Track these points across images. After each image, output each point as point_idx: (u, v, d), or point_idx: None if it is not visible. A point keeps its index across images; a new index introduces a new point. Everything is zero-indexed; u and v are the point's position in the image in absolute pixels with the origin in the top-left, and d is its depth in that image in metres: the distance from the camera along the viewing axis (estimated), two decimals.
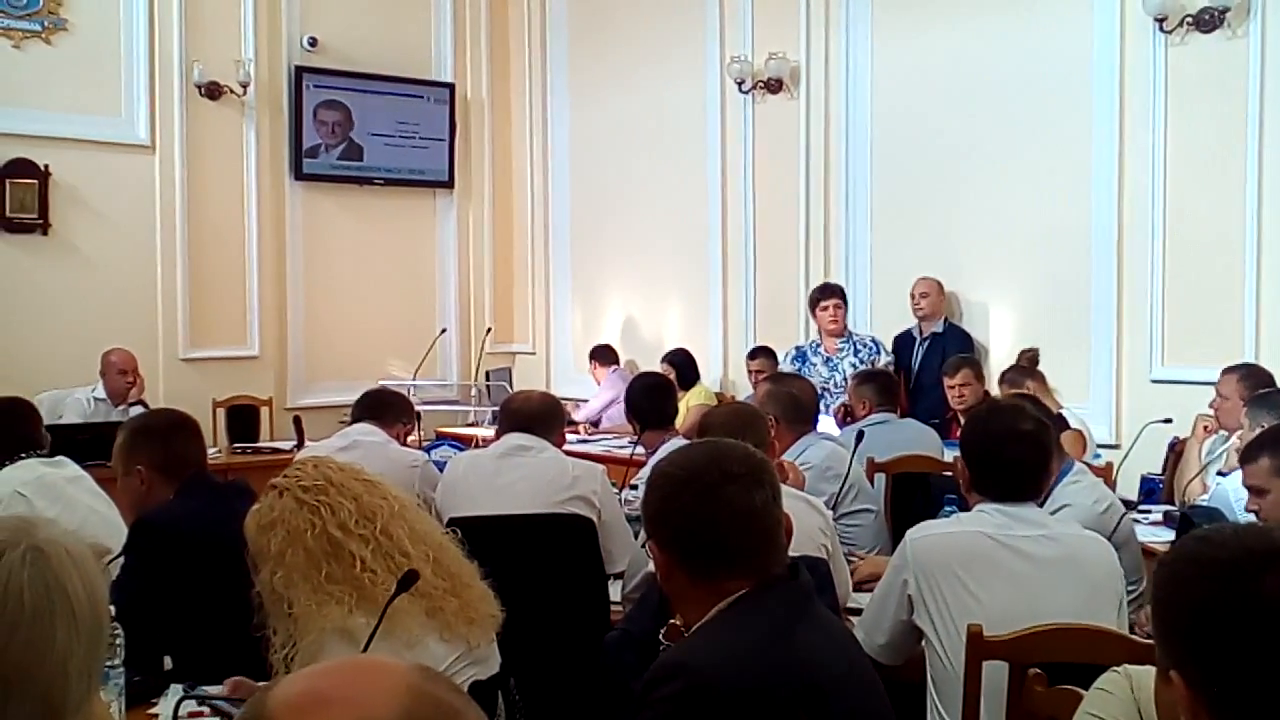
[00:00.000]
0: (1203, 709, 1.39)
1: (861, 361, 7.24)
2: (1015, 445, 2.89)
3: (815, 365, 7.28)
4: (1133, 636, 2.65)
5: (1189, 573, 1.44)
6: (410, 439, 6.07)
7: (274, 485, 2.53)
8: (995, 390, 5.89)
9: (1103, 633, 2.58)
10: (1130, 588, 3.63)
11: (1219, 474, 4.77)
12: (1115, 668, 1.82)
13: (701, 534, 2.04)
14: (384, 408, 4.96)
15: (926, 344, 7.30)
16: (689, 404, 7.55)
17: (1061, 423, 5.22)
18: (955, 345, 7.15)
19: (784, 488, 3.63)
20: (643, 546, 3.53)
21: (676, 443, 4.46)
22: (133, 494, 3.34)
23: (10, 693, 1.37)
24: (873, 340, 7.49)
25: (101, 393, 7.26)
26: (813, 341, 7.56)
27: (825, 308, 7.38)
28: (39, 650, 1.39)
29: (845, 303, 7.47)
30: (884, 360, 7.32)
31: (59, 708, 1.41)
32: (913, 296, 7.32)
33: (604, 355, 8.80)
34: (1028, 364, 6.17)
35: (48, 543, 1.45)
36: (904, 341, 7.48)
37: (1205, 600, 1.40)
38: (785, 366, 7.64)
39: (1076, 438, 5.53)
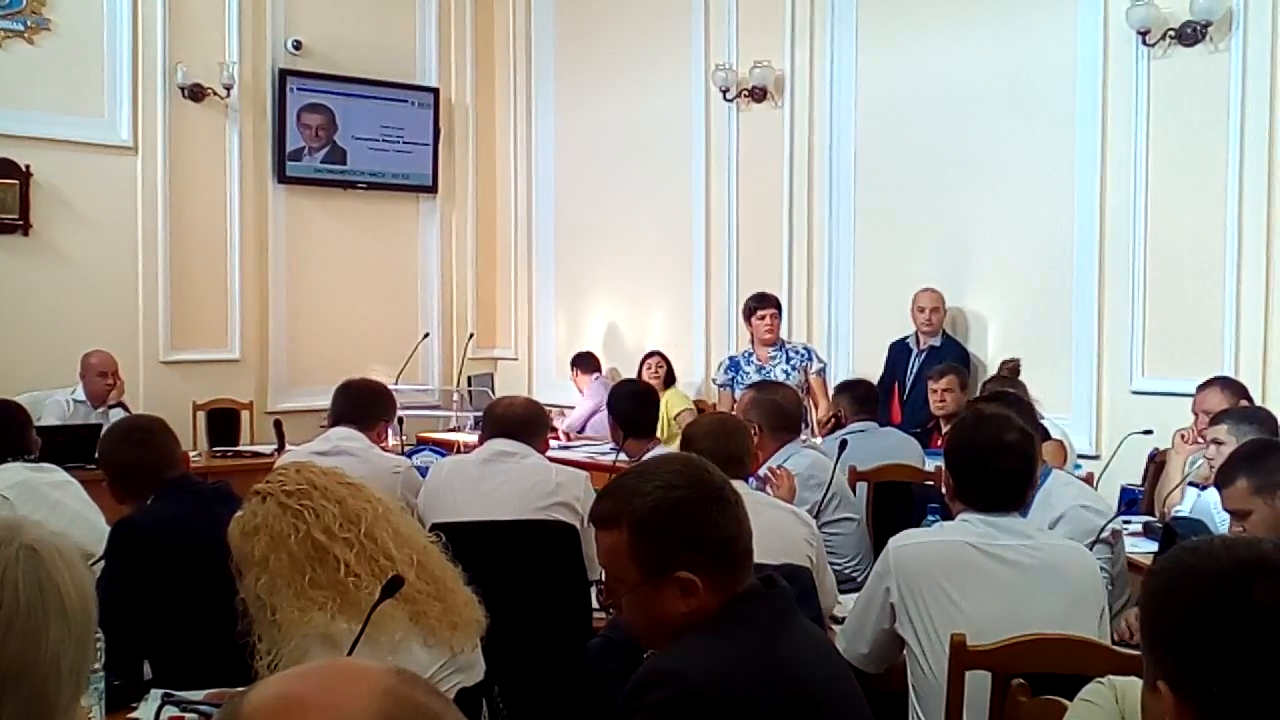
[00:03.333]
0: None
1: (794, 368, 7.24)
2: (1000, 456, 2.89)
3: (748, 374, 7.26)
4: (1116, 647, 2.66)
5: (1179, 583, 1.44)
6: (392, 442, 6.06)
7: (257, 491, 2.51)
8: None
9: (1086, 643, 2.58)
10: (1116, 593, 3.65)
11: (1191, 484, 4.78)
12: (1100, 678, 1.83)
13: (733, 541, 2.03)
14: (364, 409, 4.76)
15: (923, 356, 7.24)
16: (668, 403, 7.61)
17: (1042, 433, 5.24)
18: (953, 360, 7.13)
19: (769, 499, 3.67)
20: (598, 583, 3.44)
21: (659, 450, 4.47)
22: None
23: (5, 689, 1.37)
24: (805, 348, 7.49)
25: (81, 395, 7.22)
26: (745, 351, 7.56)
27: (762, 317, 7.34)
28: (34, 647, 1.39)
29: (780, 312, 7.47)
30: (816, 366, 7.34)
31: (51, 706, 1.40)
32: (923, 310, 7.23)
33: (585, 363, 8.81)
34: (1009, 374, 6.19)
35: (39, 542, 1.45)
36: (899, 351, 7.44)
37: (1196, 610, 1.40)
38: (718, 376, 7.67)
39: (1057, 448, 5.54)
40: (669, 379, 8.30)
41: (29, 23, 8.23)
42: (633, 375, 8.33)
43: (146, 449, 3.39)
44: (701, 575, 1.97)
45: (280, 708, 1.00)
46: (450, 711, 1.04)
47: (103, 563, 3.11)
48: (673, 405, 7.72)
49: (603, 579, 2.16)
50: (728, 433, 3.66)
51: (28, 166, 8.17)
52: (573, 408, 8.79)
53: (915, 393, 7.00)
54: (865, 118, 7.81)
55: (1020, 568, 2.80)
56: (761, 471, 4.18)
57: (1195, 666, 1.39)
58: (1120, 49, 6.47)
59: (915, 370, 7.25)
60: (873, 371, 7.34)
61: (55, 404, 7.13)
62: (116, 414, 6.96)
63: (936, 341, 7.26)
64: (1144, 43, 6.31)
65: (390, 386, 5.30)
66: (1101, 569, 3.33)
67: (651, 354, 8.43)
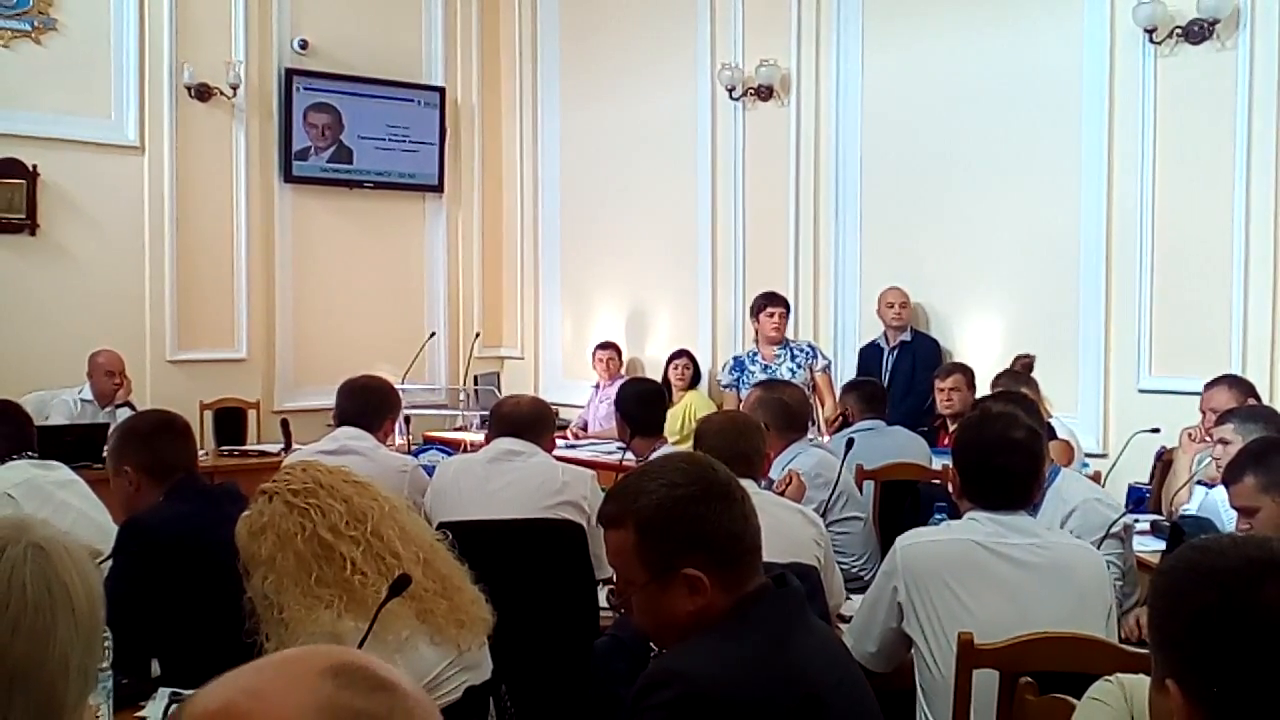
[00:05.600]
0: (1199, 718, 1.39)
1: (799, 367, 7.28)
2: (1007, 453, 2.88)
3: (754, 373, 7.27)
4: (1123, 646, 2.65)
5: (1187, 582, 1.44)
6: (398, 441, 6.05)
7: (264, 490, 2.52)
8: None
9: (1094, 642, 2.57)
10: (1127, 590, 3.66)
11: (1199, 482, 4.78)
12: (1108, 677, 1.82)
13: (740, 538, 2.03)
14: (369, 409, 4.72)
15: (895, 353, 7.35)
16: (691, 405, 7.60)
17: (1049, 431, 5.23)
18: (924, 352, 7.18)
19: (777, 498, 3.67)
20: (610, 587, 3.41)
21: (666, 449, 4.47)
22: (123, 495, 3.32)
23: (14, 688, 1.37)
24: (809, 345, 7.53)
25: (88, 394, 7.23)
26: (750, 350, 7.58)
27: (771, 315, 7.39)
28: (42, 645, 1.39)
29: (789, 312, 7.50)
30: (821, 364, 7.39)
31: (59, 705, 1.40)
32: (890, 305, 7.37)
33: (615, 349, 8.78)
34: (1022, 370, 6.17)
35: (47, 540, 1.45)
36: (871, 352, 7.52)
37: (1205, 609, 1.40)
38: (723, 377, 7.68)
39: (1064, 447, 5.53)
40: (694, 380, 8.28)
41: (36, 23, 8.25)
42: (650, 371, 8.36)
43: (181, 444, 3.39)
44: (708, 573, 1.98)
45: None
46: (398, 705, 1.00)
47: (110, 562, 3.11)
48: (696, 407, 7.70)
49: (612, 579, 2.16)
50: (738, 431, 3.64)
51: (35, 166, 8.19)
52: (580, 407, 8.78)
53: (892, 389, 7.02)
54: (871, 116, 7.80)
55: (1028, 567, 2.79)
56: (773, 475, 4.17)
57: (1203, 665, 1.39)
58: (1127, 47, 6.46)
59: (890, 367, 7.35)
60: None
61: (62, 403, 7.15)
62: (123, 414, 6.98)
63: (907, 336, 7.37)
64: (1151, 40, 6.30)
65: (396, 386, 5.29)
66: (1113, 564, 3.34)
67: (679, 354, 8.36)
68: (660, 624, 2.05)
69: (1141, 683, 1.69)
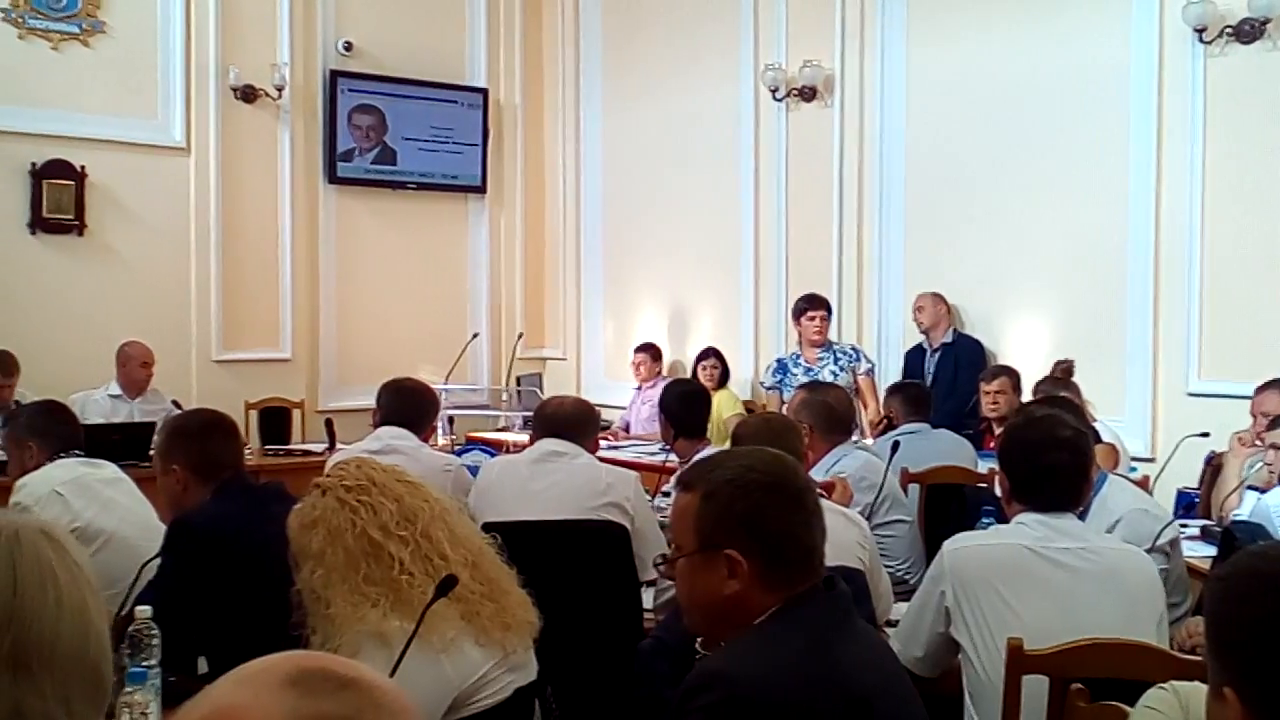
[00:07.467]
0: None
1: (841, 369, 7.22)
2: (1054, 451, 2.86)
3: (796, 376, 7.23)
4: (1175, 653, 2.62)
5: (1248, 588, 1.42)
6: (442, 441, 6.06)
7: (317, 484, 2.53)
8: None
9: (1145, 648, 2.54)
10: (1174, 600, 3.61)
11: (1250, 487, 4.72)
12: (1162, 684, 1.80)
13: (795, 540, 2.04)
14: (415, 412, 4.79)
15: (938, 355, 7.35)
16: (720, 404, 7.59)
17: (1094, 436, 5.18)
18: (966, 354, 7.16)
19: (823, 502, 3.64)
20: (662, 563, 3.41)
21: (710, 450, 4.46)
22: (170, 493, 3.34)
23: (71, 676, 1.34)
24: (852, 348, 7.48)
25: (115, 389, 7.29)
26: (793, 353, 7.54)
27: (812, 318, 7.33)
28: (84, 622, 1.36)
29: (830, 314, 7.47)
30: (864, 367, 7.35)
31: (106, 689, 1.39)
32: (914, 313, 7.46)
33: (654, 351, 8.77)
34: (1062, 375, 6.11)
35: (44, 524, 1.43)
36: (915, 355, 7.54)
37: (1266, 616, 1.38)
38: (765, 379, 7.64)
39: (1109, 451, 5.47)
40: (723, 379, 8.26)
41: (84, 25, 8.34)
42: (687, 373, 8.36)
43: (228, 443, 3.42)
44: (750, 561, 2.00)
45: None
46: (365, 700, 1.01)
47: (158, 560, 3.14)
48: (724, 407, 7.68)
49: (655, 581, 2.17)
50: (775, 433, 3.63)
51: (83, 168, 8.28)
52: (622, 408, 8.78)
53: (935, 390, 6.97)
54: (915, 117, 7.76)
55: (1077, 572, 2.77)
56: (817, 477, 4.15)
57: (1264, 673, 1.37)
58: (1176, 47, 6.39)
59: (932, 370, 7.36)
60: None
61: (95, 403, 7.18)
62: (154, 401, 7.11)
63: (948, 339, 7.37)
64: (1200, 40, 6.23)
65: (439, 386, 5.32)
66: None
67: (707, 354, 8.36)
68: (694, 600, 2.09)
69: (1198, 690, 1.67)
